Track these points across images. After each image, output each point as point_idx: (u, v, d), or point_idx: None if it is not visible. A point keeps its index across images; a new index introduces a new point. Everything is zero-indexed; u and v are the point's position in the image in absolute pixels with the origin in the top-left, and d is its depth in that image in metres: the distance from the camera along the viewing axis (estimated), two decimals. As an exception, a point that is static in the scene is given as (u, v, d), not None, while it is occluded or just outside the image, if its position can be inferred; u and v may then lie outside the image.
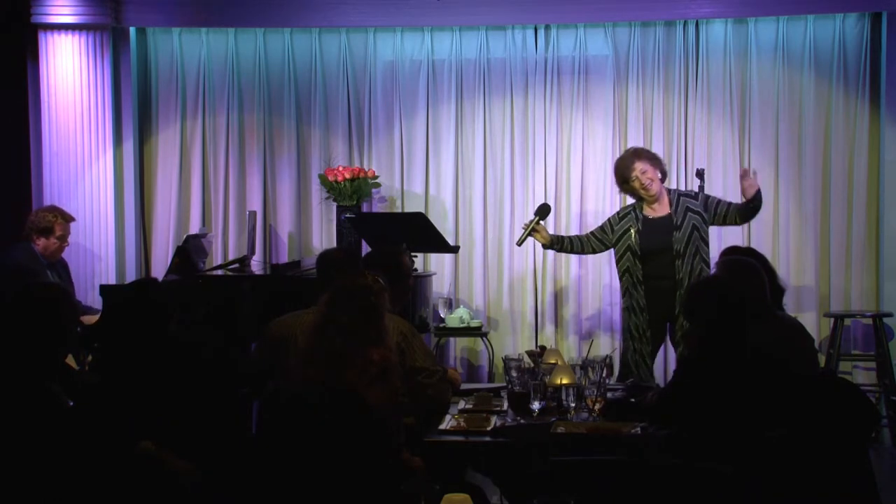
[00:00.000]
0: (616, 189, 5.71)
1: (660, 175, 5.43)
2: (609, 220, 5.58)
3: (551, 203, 6.67)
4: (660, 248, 5.33)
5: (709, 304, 3.49)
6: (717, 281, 3.84)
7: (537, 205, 5.70)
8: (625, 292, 5.43)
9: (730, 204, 5.43)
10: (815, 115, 6.59)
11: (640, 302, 5.34)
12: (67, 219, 5.94)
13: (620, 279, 5.48)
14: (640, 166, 5.36)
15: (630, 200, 5.65)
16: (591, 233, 5.61)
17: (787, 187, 6.62)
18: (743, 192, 5.36)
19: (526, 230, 5.46)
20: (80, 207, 6.48)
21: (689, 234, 5.31)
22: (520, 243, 5.62)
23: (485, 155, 6.84)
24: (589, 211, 6.72)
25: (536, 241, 5.68)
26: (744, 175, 5.39)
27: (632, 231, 5.38)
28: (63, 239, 5.90)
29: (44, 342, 3.28)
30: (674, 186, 6.60)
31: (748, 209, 5.37)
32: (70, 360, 4.31)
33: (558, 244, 5.56)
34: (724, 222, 5.48)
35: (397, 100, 6.87)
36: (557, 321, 6.79)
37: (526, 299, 6.79)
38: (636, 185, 5.37)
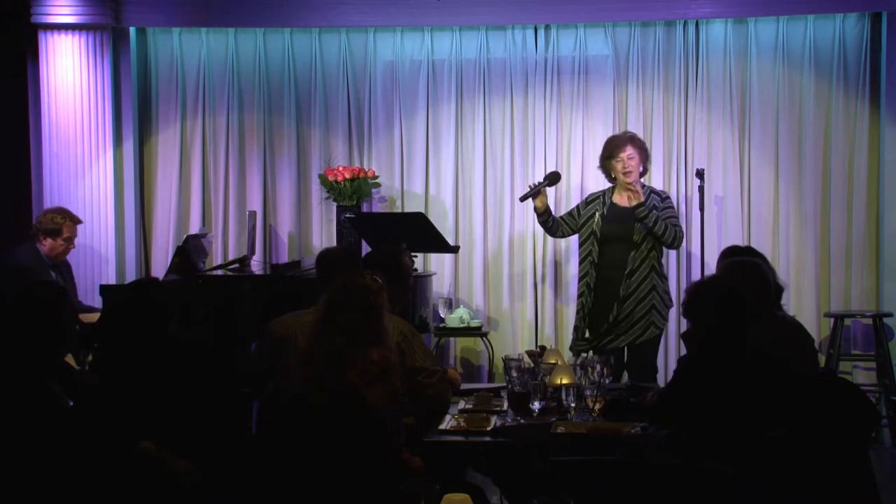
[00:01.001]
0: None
1: (641, 168, 5.54)
2: (577, 205, 5.78)
3: (551, 204, 6.67)
4: (620, 236, 5.48)
5: (708, 304, 3.49)
6: (717, 281, 3.84)
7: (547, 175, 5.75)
8: (583, 275, 5.55)
9: (666, 220, 5.44)
10: (815, 115, 6.59)
11: (591, 283, 5.50)
12: (76, 221, 5.97)
13: (580, 264, 5.61)
14: (630, 150, 5.52)
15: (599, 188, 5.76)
16: (561, 216, 5.77)
17: (787, 187, 6.61)
18: None
19: (532, 191, 5.54)
20: (80, 208, 6.47)
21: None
22: (522, 199, 5.75)
23: (485, 155, 6.84)
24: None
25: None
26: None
27: (596, 216, 5.51)
28: (69, 241, 5.92)
29: (44, 342, 3.28)
30: (673, 185, 6.63)
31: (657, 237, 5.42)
32: (70, 360, 4.30)
33: (546, 216, 5.65)
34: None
35: (397, 100, 6.86)
36: (557, 321, 6.79)
37: (526, 299, 6.79)
38: (618, 166, 5.52)
